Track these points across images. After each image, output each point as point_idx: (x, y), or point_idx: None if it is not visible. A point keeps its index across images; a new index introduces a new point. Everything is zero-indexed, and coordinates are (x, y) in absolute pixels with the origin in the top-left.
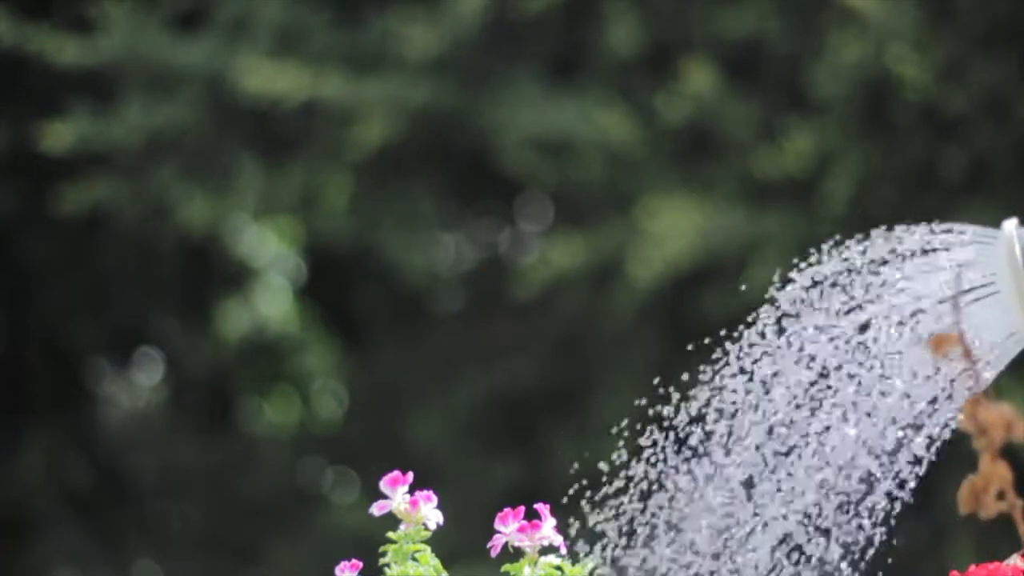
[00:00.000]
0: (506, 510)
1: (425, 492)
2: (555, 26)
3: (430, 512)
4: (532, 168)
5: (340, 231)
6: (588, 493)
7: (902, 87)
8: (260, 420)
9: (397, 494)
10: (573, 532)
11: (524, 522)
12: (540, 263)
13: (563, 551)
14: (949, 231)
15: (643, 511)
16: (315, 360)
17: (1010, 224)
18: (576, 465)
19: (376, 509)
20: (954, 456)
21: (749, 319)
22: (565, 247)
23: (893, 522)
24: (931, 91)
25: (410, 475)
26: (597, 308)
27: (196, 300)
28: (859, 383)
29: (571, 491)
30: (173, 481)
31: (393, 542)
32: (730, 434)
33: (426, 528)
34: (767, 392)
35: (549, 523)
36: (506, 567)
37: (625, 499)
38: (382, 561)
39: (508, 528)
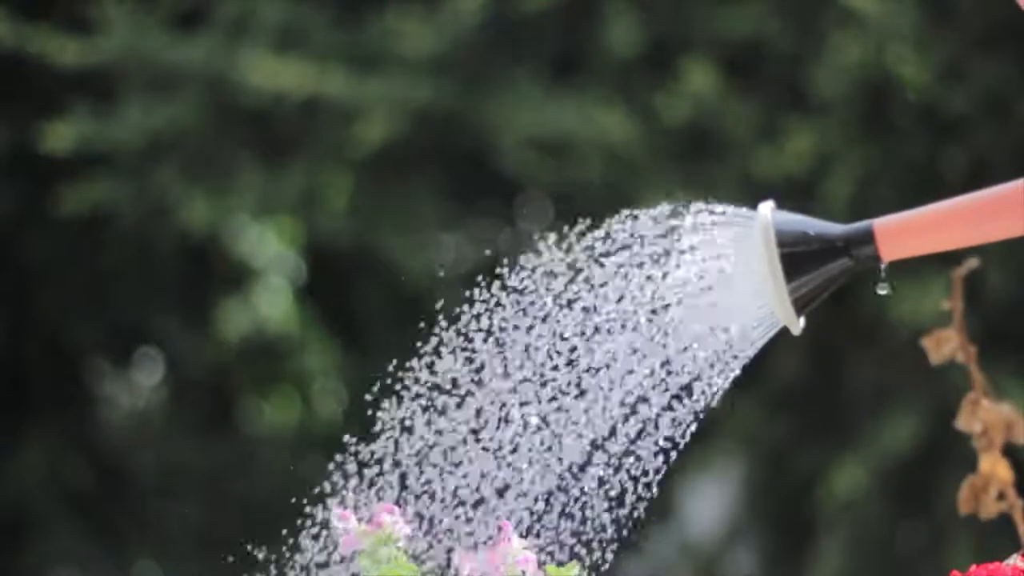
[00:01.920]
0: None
1: (387, 504)
2: (555, 26)
3: (394, 526)
4: (532, 168)
5: (340, 231)
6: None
7: (902, 87)
8: (260, 420)
9: (351, 524)
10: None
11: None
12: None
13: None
14: (708, 211)
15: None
16: (315, 360)
17: (765, 207)
18: None
19: (343, 547)
20: (954, 456)
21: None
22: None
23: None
24: (931, 91)
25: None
26: None
27: (196, 300)
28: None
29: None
30: (173, 481)
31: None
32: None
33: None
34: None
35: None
36: None
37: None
38: (356, 568)
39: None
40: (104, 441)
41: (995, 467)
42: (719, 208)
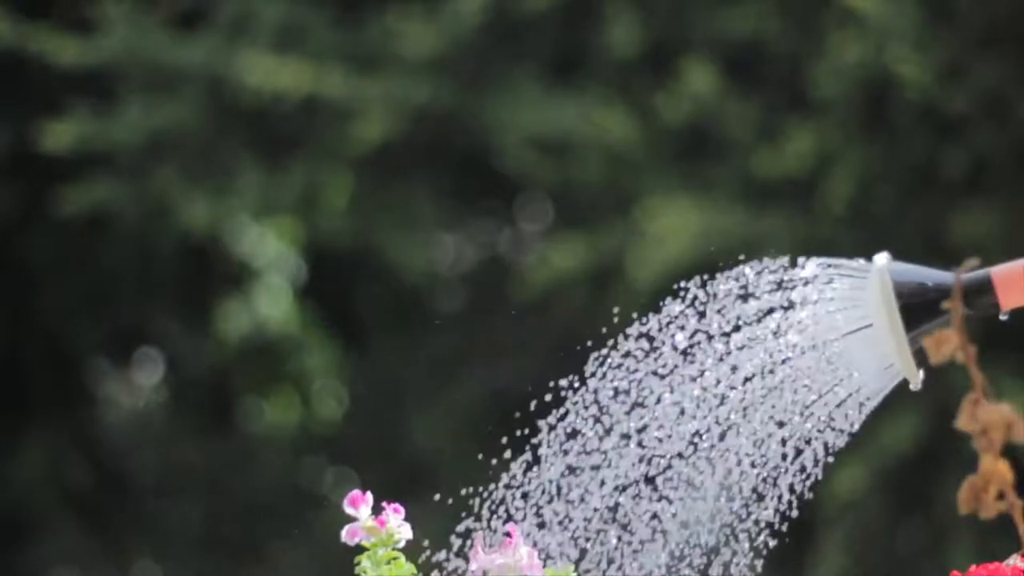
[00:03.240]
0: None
1: (394, 504)
2: (555, 26)
3: (398, 527)
4: (532, 168)
5: (340, 231)
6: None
7: (902, 87)
8: (260, 420)
9: (362, 512)
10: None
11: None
12: (540, 263)
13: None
14: (824, 264)
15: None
16: (315, 360)
17: (881, 258)
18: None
19: (346, 535)
20: (954, 456)
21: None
22: (565, 247)
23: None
24: (931, 91)
25: (368, 495)
26: (597, 309)
27: (196, 300)
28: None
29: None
30: (173, 481)
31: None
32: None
33: (396, 539)
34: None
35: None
36: None
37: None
38: (358, 569)
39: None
40: (104, 441)
41: (995, 467)
42: (832, 260)
